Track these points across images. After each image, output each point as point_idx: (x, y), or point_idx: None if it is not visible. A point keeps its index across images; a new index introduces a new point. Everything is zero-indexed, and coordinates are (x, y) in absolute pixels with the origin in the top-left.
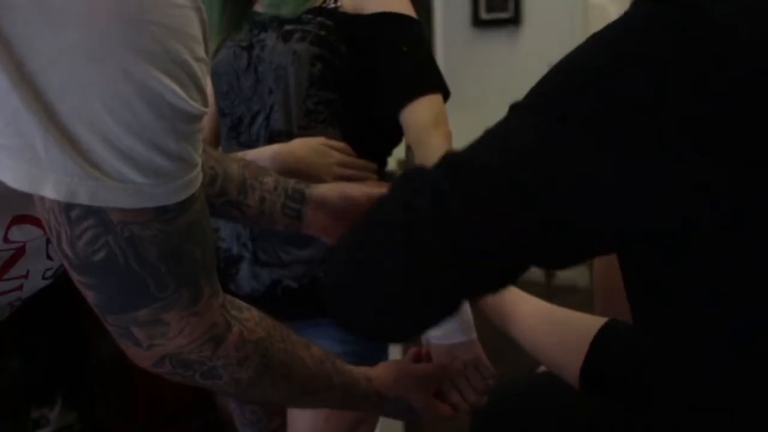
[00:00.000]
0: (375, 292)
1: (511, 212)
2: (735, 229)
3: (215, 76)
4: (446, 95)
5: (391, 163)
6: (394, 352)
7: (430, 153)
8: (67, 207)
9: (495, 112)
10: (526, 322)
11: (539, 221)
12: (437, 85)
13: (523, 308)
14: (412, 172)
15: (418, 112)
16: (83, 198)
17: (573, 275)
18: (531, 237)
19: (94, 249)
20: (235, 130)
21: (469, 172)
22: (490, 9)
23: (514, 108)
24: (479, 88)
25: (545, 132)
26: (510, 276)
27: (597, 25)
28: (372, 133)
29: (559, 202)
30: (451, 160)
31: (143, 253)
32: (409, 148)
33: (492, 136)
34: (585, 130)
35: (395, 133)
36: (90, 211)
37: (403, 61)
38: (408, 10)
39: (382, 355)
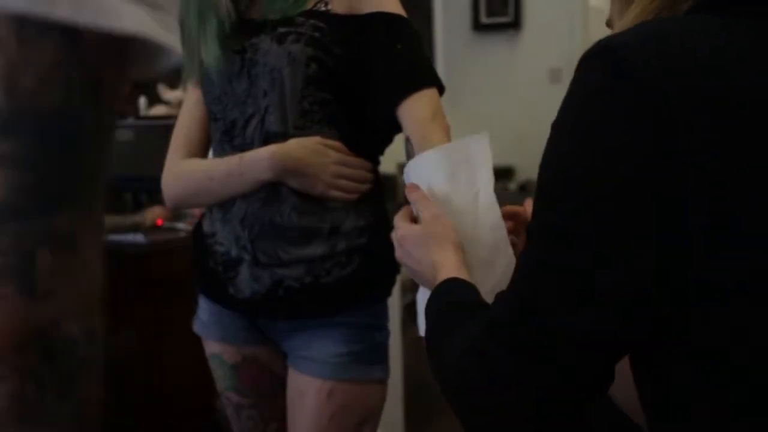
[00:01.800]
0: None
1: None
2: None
3: (207, 81)
4: (441, 90)
5: (391, 167)
6: (394, 350)
7: (432, 146)
8: None
9: (495, 116)
10: None
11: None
12: (433, 80)
13: None
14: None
15: (417, 107)
16: None
17: None
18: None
19: None
20: (229, 134)
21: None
22: (490, 13)
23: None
24: (479, 91)
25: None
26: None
27: (597, 28)
28: (367, 132)
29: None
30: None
31: None
32: (408, 141)
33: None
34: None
35: (389, 132)
36: None
37: (398, 58)
38: (400, 9)
39: (383, 356)
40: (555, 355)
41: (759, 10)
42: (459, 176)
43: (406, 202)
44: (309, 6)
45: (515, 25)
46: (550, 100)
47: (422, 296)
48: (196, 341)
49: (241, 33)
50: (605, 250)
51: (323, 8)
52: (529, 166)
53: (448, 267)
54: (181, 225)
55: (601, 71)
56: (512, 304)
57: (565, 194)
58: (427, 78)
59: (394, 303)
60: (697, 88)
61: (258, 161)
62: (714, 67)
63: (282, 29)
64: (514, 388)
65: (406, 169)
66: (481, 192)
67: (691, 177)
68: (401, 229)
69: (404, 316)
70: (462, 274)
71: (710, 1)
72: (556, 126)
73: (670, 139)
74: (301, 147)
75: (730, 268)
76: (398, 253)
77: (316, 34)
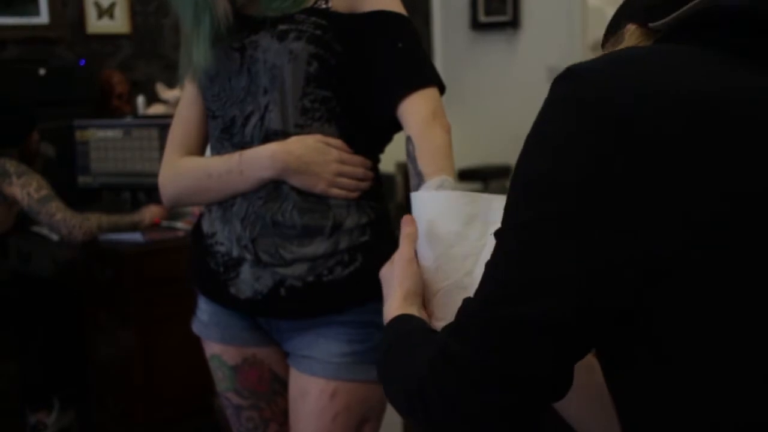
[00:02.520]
0: None
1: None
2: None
3: (206, 78)
4: (442, 90)
5: (390, 166)
6: None
7: (433, 145)
8: None
9: (494, 115)
10: None
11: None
12: (433, 79)
13: None
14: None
15: (418, 105)
16: None
17: None
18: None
19: None
20: (228, 132)
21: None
22: (488, 12)
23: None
24: (478, 90)
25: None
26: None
27: (595, 27)
28: (367, 130)
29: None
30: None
31: None
32: (409, 139)
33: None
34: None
35: (389, 131)
36: None
37: (399, 57)
38: (400, 8)
39: None
40: (517, 346)
41: (706, 39)
42: (474, 225)
43: (407, 206)
44: (309, 3)
45: (514, 24)
46: None
47: None
48: (195, 341)
49: (241, 30)
50: (561, 242)
51: (324, 6)
52: None
53: (394, 308)
54: (179, 224)
55: (564, 86)
56: (476, 300)
57: (526, 193)
58: (428, 77)
59: None
60: (646, 96)
61: (259, 159)
62: (663, 79)
63: (282, 26)
64: (479, 384)
65: (420, 195)
66: (488, 246)
67: (633, 174)
68: (385, 265)
69: None
70: (406, 311)
71: (670, 35)
72: (526, 140)
73: (623, 142)
74: (302, 145)
75: (674, 250)
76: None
77: (318, 32)
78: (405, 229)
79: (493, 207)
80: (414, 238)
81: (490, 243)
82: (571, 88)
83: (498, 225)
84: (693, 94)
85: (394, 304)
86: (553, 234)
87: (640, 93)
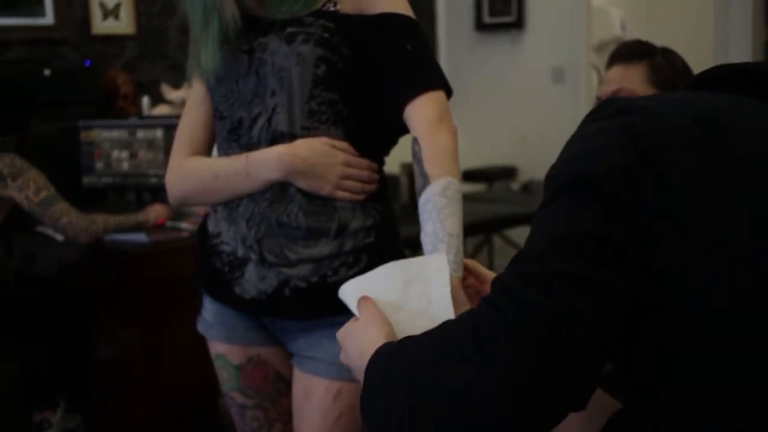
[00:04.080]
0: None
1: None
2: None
3: (213, 79)
4: (449, 93)
5: (395, 167)
6: None
7: (439, 148)
8: None
9: (498, 115)
10: None
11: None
12: (441, 82)
13: None
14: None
15: (425, 108)
16: None
17: None
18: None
19: None
20: (235, 133)
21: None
22: (493, 13)
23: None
24: (482, 91)
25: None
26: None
27: (600, 28)
28: (373, 133)
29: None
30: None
31: None
32: (416, 141)
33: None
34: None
35: (395, 133)
36: None
37: (407, 59)
38: (408, 10)
39: None
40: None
41: (731, 89)
42: (413, 286)
43: (412, 207)
44: (318, 6)
45: (518, 24)
46: (553, 100)
47: None
48: (199, 340)
49: (249, 32)
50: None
51: (332, 8)
52: (531, 166)
53: (378, 344)
54: (183, 224)
55: (601, 107)
56: (505, 274)
57: (557, 188)
58: (436, 80)
59: None
60: (676, 126)
61: (265, 161)
62: (689, 113)
63: (291, 29)
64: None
65: (345, 287)
66: (434, 300)
67: (652, 181)
68: (340, 329)
69: None
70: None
71: (695, 84)
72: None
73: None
74: (308, 147)
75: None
76: (340, 356)
77: (326, 35)
78: (361, 302)
79: (429, 267)
80: (373, 302)
81: (436, 299)
82: (606, 106)
83: (436, 283)
84: (704, 112)
85: (379, 340)
86: (580, 206)
87: (664, 117)
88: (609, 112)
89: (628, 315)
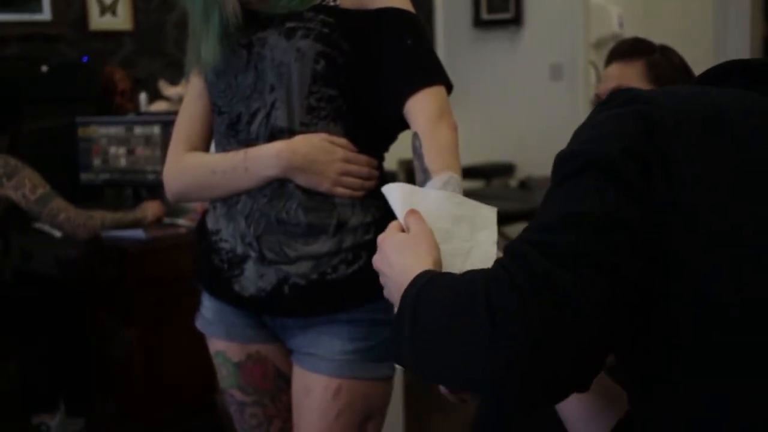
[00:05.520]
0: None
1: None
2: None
3: (212, 74)
4: (449, 88)
5: (393, 164)
6: None
7: (440, 143)
8: None
9: (496, 112)
10: None
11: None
12: (441, 77)
13: None
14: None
15: (425, 103)
16: None
17: None
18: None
19: None
20: (233, 128)
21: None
22: (491, 9)
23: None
24: (480, 88)
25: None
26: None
27: (598, 25)
28: (372, 129)
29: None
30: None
31: None
32: (416, 136)
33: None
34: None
35: (394, 129)
36: None
37: (407, 54)
38: (408, 5)
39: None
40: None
41: (739, 84)
42: (461, 225)
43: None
44: (318, 1)
45: (516, 21)
46: (551, 97)
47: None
48: (198, 337)
49: (249, 27)
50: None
51: (332, 3)
52: (529, 163)
53: (424, 266)
54: (181, 221)
55: (610, 98)
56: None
57: (568, 170)
58: (436, 75)
59: None
60: (686, 112)
61: (264, 157)
62: (699, 104)
63: (290, 24)
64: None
65: (392, 186)
66: (474, 249)
67: (660, 164)
68: (385, 233)
69: None
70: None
71: (705, 78)
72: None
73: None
74: (307, 144)
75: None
76: (375, 258)
77: (325, 30)
78: (412, 215)
79: (481, 213)
80: (423, 218)
81: (478, 246)
82: (623, 94)
83: (485, 231)
84: (707, 105)
85: (428, 264)
86: (593, 187)
87: (671, 107)
88: (619, 101)
89: (635, 301)
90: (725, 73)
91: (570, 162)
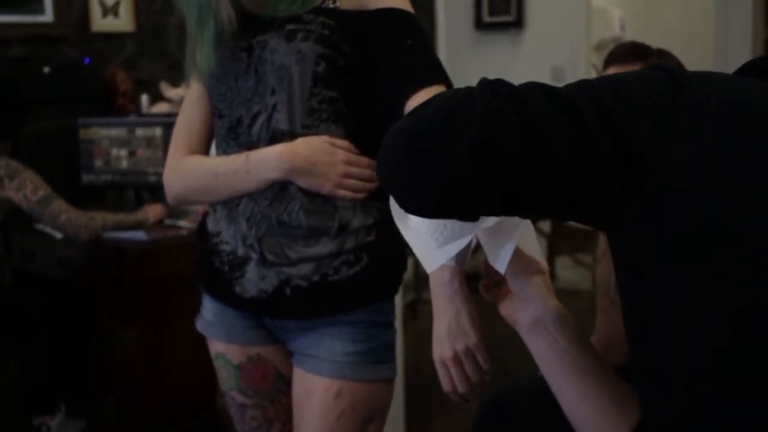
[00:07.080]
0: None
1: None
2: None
3: (212, 78)
4: (449, 88)
5: None
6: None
7: None
8: None
9: None
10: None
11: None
12: (442, 77)
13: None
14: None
15: None
16: None
17: (575, 279)
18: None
19: None
20: (234, 131)
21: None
22: (492, 12)
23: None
24: None
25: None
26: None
27: (599, 28)
28: (374, 131)
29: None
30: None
31: None
32: None
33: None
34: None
35: None
36: None
37: (408, 54)
38: (408, 6)
39: (392, 354)
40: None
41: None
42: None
43: None
44: (317, 3)
45: (518, 24)
46: None
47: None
48: (198, 339)
49: (248, 30)
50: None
51: (332, 5)
52: None
53: None
54: (182, 222)
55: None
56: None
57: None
58: (436, 75)
59: (396, 301)
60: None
61: (265, 160)
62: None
63: (290, 26)
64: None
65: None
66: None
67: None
68: None
69: (405, 314)
70: None
71: (743, 71)
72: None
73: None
74: (309, 146)
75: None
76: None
77: (326, 32)
78: None
79: (520, 224)
80: None
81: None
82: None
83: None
84: (740, 94)
85: None
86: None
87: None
88: (660, 71)
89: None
90: (763, 66)
91: (573, 88)
